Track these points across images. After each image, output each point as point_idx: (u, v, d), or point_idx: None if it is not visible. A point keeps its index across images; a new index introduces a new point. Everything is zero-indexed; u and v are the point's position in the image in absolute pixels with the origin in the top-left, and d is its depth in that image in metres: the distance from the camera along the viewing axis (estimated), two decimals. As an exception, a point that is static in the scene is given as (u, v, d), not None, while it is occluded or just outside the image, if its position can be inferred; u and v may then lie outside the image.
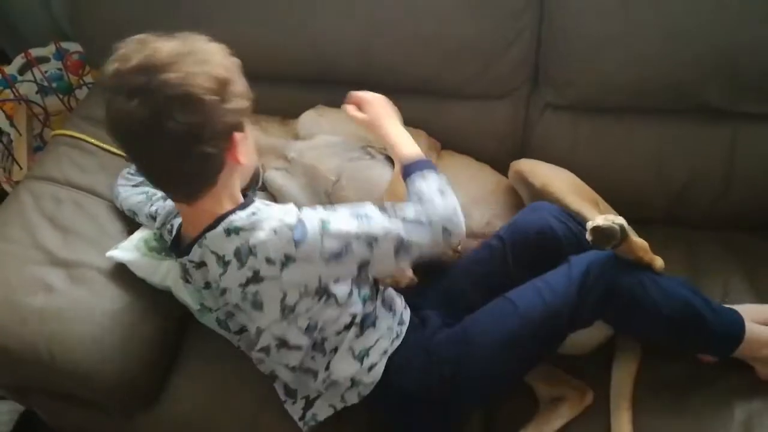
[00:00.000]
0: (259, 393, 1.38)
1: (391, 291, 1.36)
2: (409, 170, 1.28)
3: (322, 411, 1.31)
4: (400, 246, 1.17)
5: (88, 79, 2.19)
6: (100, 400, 1.41)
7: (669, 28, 1.47)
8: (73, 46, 2.16)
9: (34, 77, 2.18)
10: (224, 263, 1.17)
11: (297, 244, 1.13)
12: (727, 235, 1.64)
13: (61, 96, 2.21)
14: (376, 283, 1.33)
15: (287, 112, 1.65)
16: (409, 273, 1.37)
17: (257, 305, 1.20)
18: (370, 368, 1.27)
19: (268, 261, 1.14)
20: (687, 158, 1.60)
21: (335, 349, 1.26)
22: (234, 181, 1.21)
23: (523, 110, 1.66)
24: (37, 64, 2.17)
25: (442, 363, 1.26)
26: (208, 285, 1.25)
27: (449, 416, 1.30)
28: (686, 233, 1.65)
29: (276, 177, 1.59)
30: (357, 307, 1.26)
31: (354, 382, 1.27)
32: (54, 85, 2.19)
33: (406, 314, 1.35)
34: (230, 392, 1.42)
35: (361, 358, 1.27)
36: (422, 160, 1.30)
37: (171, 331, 1.48)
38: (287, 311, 1.19)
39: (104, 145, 1.67)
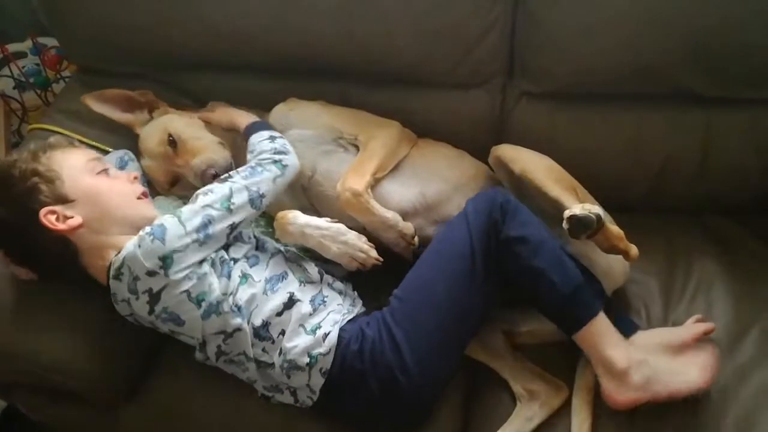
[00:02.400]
0: (240, 384, 1.38)
1: (339, 284, 1.43)
2: (249, 131, 1.48)
3: (306, 400, 1.33)
4: (250, 193, 1.32)
5: (66, 73, 2.18)
6: (81, 393, 1.41)
7: (644, 15, 1.47)
8: (51, 41, 2.15)
9: (11, 72, 2.17)
10: (129, 304, 1.28)
11: (162, 240, 1.22)
12: (704, 219, 1.66)
13: (38, 91, 2.20)
14: (321, 274, 1.42)
15: (268, 103, 1.64)
16: (374, 253, 1.39)
17: (176, 320, 1.27)
18: (324, 337, 1.30)
19: (150, 274, 1.22)
20: (663, 143, 1.61)
21: (283, 332, 1.30)
22: (91, 237, 1.30)
23: (499, 98, 1.67)
24: (14, 59, 2.16)
25: (384, 335, 1.29)
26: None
27: (409, 401, 1.30)
28: (664, 218, 1.66)
29: None
30: (293, 286, 1.35)
31: (311, 358, 1.29)
32: (31, 80, 2.19)
33: (359, 302, 1.43)
34: (211, 384, 1.42)
35: (313, 331, 1.31)
36: (258, 122, 1.52)
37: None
38: (204, 306, 1.25)
39: (82, 138, 1.65)
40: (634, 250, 1.36)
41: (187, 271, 1.24)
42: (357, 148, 1.55)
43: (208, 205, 1.29)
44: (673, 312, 1.48)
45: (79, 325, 1.39)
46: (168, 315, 1.27)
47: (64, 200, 1.31)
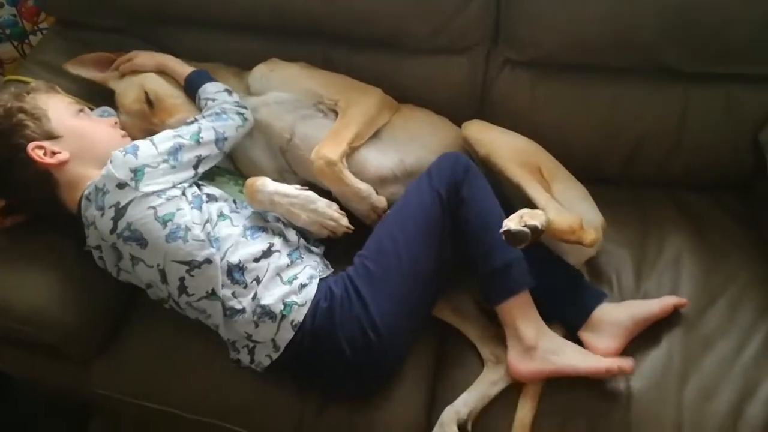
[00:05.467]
0: (212, 336, 1.38)
1: (315, 249, 1.45)
2: (196, 80, 1.51)
3: (263, 360, 1.33)
4: (216, 133, 1.39)
5: (44, 25, 2.14)
6: (54, 345, 1.41)
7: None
8: (29, -8, 2.10)
9: (-13, 23, 2.12)
10: (95, 226, 1.30)
11: (134, 154, 1.29)
12: (677, 193, 1.68)
13: (15, 43, 2.15)
14: (298, 237, 1.42)
15: (249, 63, 1.63)
16: (344, 221, 1.40)
17: (139, 240, 1.28)
18: (301, 287, 1.32)
19: (120, 185, 1.27)
20: (640, 117, 1.62)
21: (258, 279, 1.31)
22: (75, 171, 1.35)
23: (482, 66, 1.66)
24: (-11, 9, 2.10)
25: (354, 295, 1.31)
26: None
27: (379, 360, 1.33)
28: (638, 191, 1.69)
29: None
30: (272, 239, 1.37)
31: (286, 306, 1.30)
32: (8, 31, 2.14)
33: (330, 268, 1.43)
34: (184, 337, 1.43)
35: (290, 281, 1.33)
36: (203, 72, 1.54)
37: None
38: (170, 227, 1.27)
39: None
40: (588, 238, 1.36)
41: (156, 187, 1.28)
42: (337, 113, 1.54)
43: (178, 135, 1.36)
44: (644, 282, 1.50)
45: (52, 276, 1.39)
46: (131, 233, 1.27)
47: (50, 136, 1.35)
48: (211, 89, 1.49)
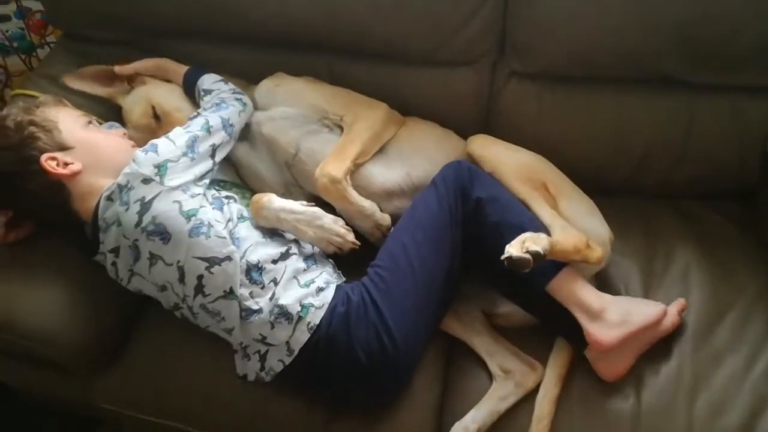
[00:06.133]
0: (217, 350, 1.39)
1: (329, 261, 1.46)
2: (193, 75, 1.56)
3: (275, 365, 1.33)
4: (222, 120, 1.42)
5: (51, 39, 2.15)
6: (58, 361, 1.41)
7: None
8: (36, 5, 2.11)
9: (-5, 36, 2.13)
10: (118, 223, 1.30)
11: (155, 151, 1.31)
12: (683, 204, 1.67)
13: (22, 56, 2.16)
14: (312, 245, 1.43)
15: (254, 75, 1.63)
16: (351, 237, 1.40)
17: (163, 234, 1.28)
18: (318, 291, 1.33)
19: (145, 181, 1.29)
20: (646, 128, 1.62)
21: (276, 281, 1.32)
22: (88, 181, 1.35)
23: (488, 78, 1.66)
24: (-3, 22, 2.11)
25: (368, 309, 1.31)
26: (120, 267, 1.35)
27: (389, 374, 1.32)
28: (644, 203, 1.68)
29: (236, 145, 1.57)
30: (290, 245, 1.39)
31: (303, 308, 1.30)
32: (15, 44, 2.15)
33: (342, 277, 1.44)
34: (190, 350, 1.43)
35: (307, 284, 1.34)
36: (198, 68, 1.57)
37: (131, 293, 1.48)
38: (193, 222, 1.28)
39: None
40: (594, 256, 1.35)
41: (180, 181, 1.31)
42: (342, 128, 1.54)
43: (189, 129, 1.38)
44: (653, 296, 1.48)
45: (57, 291, 1.39)
46: (155, 227, 1.28)
47: (62, 147, 1.37)
48: (207, 81, 1.53)
